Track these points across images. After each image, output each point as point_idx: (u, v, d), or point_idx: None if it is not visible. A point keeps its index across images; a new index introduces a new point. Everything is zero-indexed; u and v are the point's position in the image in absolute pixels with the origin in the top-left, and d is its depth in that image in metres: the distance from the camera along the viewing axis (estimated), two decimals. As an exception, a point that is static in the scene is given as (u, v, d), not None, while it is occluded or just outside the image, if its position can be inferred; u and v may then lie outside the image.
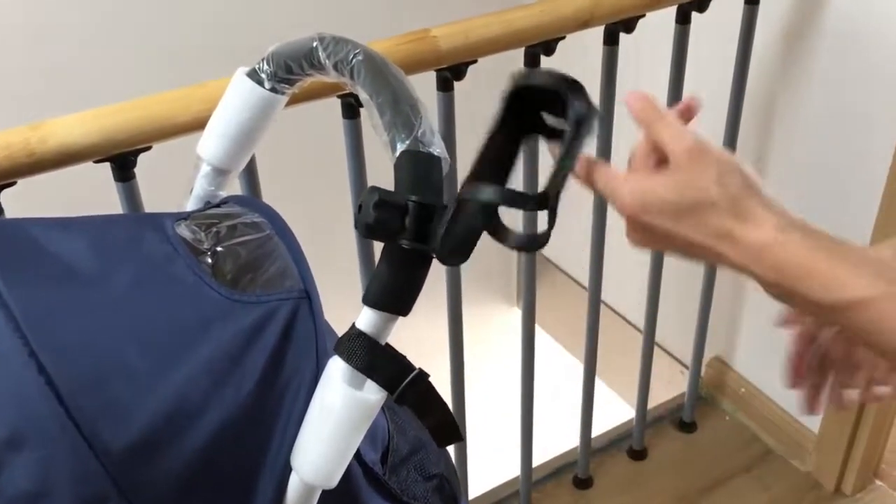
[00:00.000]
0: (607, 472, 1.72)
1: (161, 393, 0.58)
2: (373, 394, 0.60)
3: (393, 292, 0.59)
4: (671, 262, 1.53)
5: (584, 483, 1.70)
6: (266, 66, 0.76)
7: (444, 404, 0.66)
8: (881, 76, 1.32)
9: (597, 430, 1.71)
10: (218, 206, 0.76)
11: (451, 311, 1.30)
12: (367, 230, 0.56)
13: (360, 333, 0.59)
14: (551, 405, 1.82)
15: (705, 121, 1.55)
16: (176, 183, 0.85)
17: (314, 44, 0.70)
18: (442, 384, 1.18)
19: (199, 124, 0.90)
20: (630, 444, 1.76)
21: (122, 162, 0.96)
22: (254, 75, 0.77)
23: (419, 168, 0.59)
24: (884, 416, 1.57)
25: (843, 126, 1.41)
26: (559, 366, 2.27)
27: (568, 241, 1.48)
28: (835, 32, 1.36)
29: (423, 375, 0.61)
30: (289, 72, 0.75)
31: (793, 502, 1.65)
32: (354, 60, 0.66)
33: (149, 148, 0.98)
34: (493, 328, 2.37)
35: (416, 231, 0.56)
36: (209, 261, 0.67)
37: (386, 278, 0.59)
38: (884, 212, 1.36)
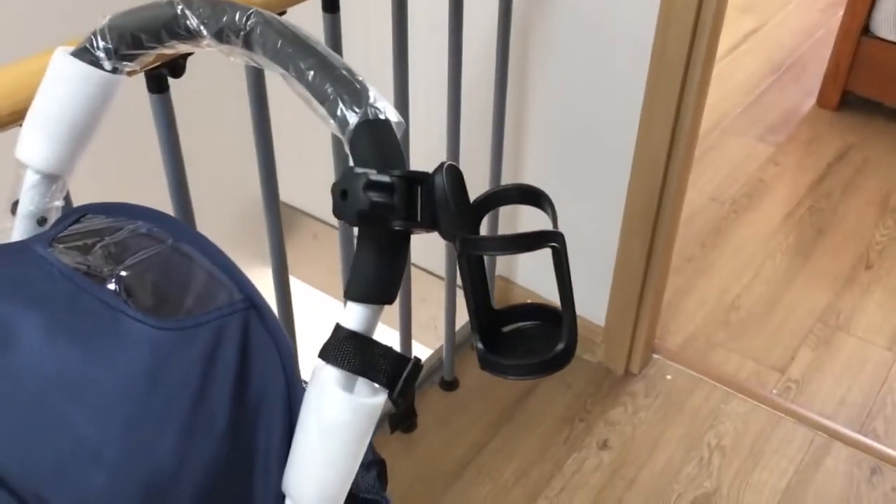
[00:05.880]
0: (427, 408, 1.75)
1: (131, 467, 0.47)
2: (376, 396, 0.54)
3: (381, 281, 0.53)
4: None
5: (407, 426, 1.71)
6: (101, 42, 0.63)
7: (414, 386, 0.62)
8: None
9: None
10: (77, 221, 0.62)
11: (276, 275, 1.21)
12: (360, 218, 0.49)
13: (352, 334, 0.52)
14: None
15: (479, 59, 1.57)
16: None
17: (178, 9, 0.59)
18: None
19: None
20: (441, 376, 1.79)
21: None
22: (84, 55, 0.64)
23: (382, 139, 0.52)
24: (657, 298, 1.75)
25: (594, 50, 1.50)
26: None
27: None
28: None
29: (419, 365, 0.56)
30: (137, 46, 0.63)
31: (593, 392, 1.80)
32: (250, 24, 0.57)
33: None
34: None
35: (407, 209, 0.50)
36: (115, 288, 0.55)
37: (373, 267, 0.52)
38: (644, 120, 1.49)
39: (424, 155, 1.58)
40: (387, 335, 1.79)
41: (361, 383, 0.54)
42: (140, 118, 0.96)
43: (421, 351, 1.98)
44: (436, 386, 1.80)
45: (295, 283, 2.14)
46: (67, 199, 0.87)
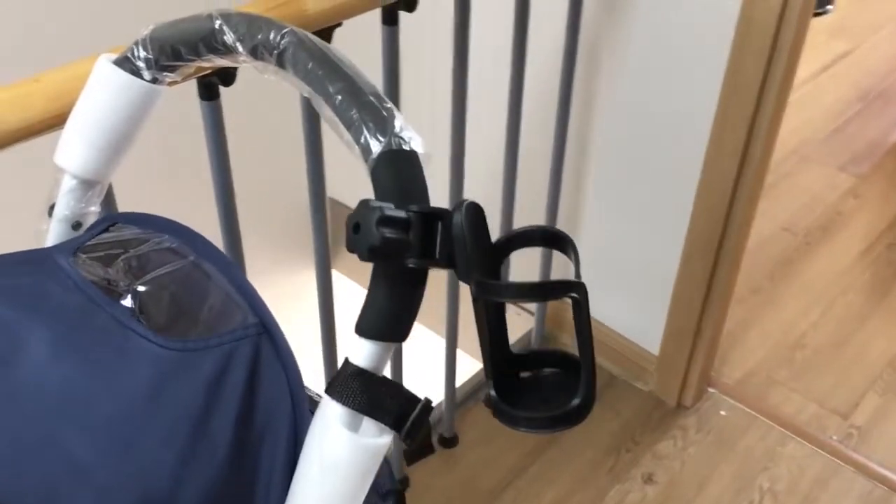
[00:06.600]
0: (471, 426, 1.72)
1: (125, 490, 0.46)
2: (381, 436, 0.52)
3: (394, 318, 0.50)
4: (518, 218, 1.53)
5: (449, 441, 1.69)
6: (143, 52, 0.63)
7: (429, 423, 0.60)
8: (703, 8, 1.36)
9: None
10: (106, 230, 0.62)
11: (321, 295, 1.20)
12: (371, 253, 0.47)
13: (360, 371, 0.51)
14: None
15: (543, 77, 1.54)
16: (16, 201, 0.69)
17: (217, 23, 0.58)
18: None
19: (42, 127, 0.74)
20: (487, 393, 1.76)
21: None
22: (125, 64, 0.64)
23: (405, 171, 0.50)
24: (716, 329, 1.68)
25: (665, 68, 1.45)
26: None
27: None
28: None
29: (428, 407, 0.53)
30: (176, 57, 0.62)
31: (642, 422, 1.74)
32: (284, 43, 0.55)
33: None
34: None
35: (423, 247, 0.48)
36: (130, 304, 0.54)
37: (384, 304, 0.50)
38: (713, 144, 1.44)
39: (485, 171, 1.56)
40: (434, 344, 1.78)
41: (367, 422, 0.52)
42: (188, 119, 0.96)
43: (469, 363, 1.94)
44: (481, 403, 1.77)
45: (344, 281, 2.14)
46: (111, 199, 0.88)
